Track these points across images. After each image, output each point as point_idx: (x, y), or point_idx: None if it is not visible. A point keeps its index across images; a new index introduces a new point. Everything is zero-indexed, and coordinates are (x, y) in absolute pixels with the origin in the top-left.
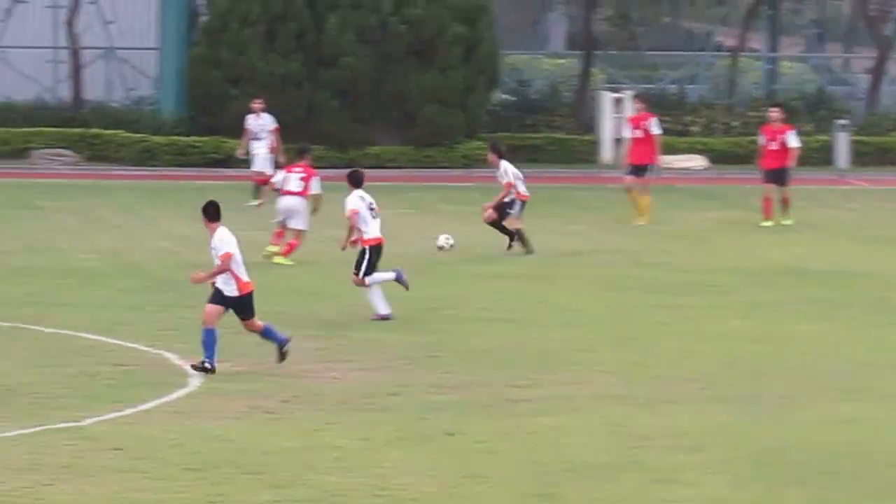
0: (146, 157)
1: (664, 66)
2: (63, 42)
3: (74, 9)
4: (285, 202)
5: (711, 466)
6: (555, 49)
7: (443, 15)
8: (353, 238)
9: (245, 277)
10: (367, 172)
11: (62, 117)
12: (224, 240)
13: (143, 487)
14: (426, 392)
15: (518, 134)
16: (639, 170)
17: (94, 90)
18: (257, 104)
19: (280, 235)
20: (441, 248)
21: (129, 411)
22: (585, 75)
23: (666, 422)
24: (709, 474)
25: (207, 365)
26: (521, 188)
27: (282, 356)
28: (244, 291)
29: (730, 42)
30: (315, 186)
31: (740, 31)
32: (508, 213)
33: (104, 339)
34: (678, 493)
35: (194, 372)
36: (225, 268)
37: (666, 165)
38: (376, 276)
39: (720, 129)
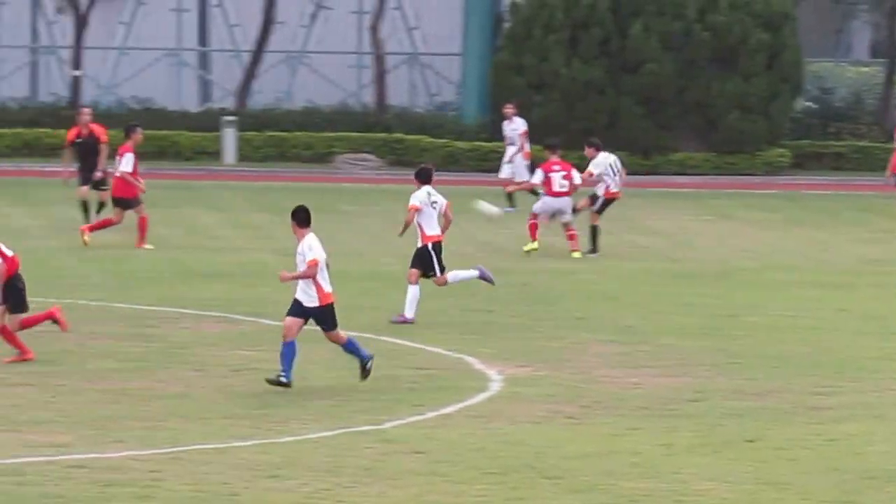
0: (449, 162)
1: None
2: (367, 47)
3: (379, 14)
4: (554, 203)
5: None
6: (858, 57)
7: (746, 22)
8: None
9: (327, 288)
10: (670, 179)
11: (365, 122)
12: (313, 246)
13: (443, 491)
14: (726, 398)
15: (820, 141)
16: None
17: (397, 95)
18: (509, 109)
19: (535, 228)
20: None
21: (429, 415)
22: (889, 84)
23: None
24: None
25: (283, 379)
26: (611, 185)
27: (365, 373)
28: (324, 302)
29: None
30: (576, 178)
31: None
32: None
33: (406, 342)
34: None
35: (497, 376)
36: (312, 273)
37: None
38: (459, 274)
39: None
